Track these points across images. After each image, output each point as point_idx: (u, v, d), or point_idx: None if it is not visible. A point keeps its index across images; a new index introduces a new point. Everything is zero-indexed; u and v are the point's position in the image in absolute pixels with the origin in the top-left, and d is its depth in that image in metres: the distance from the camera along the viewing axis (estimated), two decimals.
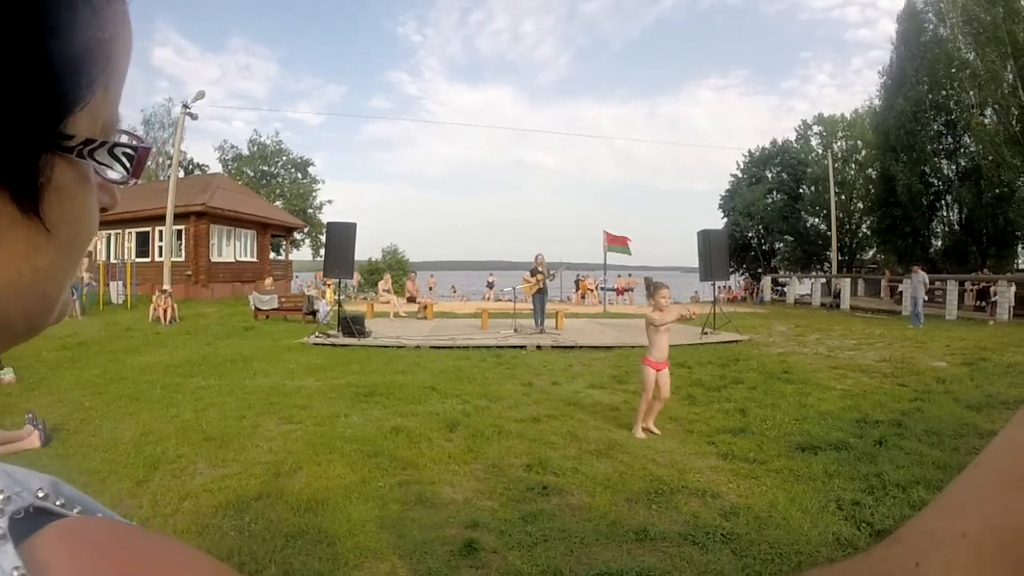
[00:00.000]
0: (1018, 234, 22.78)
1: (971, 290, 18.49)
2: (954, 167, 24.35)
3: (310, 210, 37.99)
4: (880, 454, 4.23)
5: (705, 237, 12.59)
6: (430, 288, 25.48)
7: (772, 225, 34.23)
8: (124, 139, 0.30)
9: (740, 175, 36.85)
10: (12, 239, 0.25)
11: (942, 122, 23.90)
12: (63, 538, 0.25)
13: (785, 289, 26.26)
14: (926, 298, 14.60)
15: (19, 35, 0.22)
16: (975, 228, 23.60)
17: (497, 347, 9.64)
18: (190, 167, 37.29)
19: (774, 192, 34.76)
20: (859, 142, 31.75)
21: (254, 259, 24.44)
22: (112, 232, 21.84)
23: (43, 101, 0.23)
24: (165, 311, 13.39)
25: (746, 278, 33.84)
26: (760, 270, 33.32)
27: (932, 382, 6.78)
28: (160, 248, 19.95)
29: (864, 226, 32.00)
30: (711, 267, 12.41)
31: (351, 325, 10.58)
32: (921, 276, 14.19)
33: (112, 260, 20.07)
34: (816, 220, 33.80)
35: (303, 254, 40.48)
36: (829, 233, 28.72)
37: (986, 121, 20.55)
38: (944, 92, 23.19)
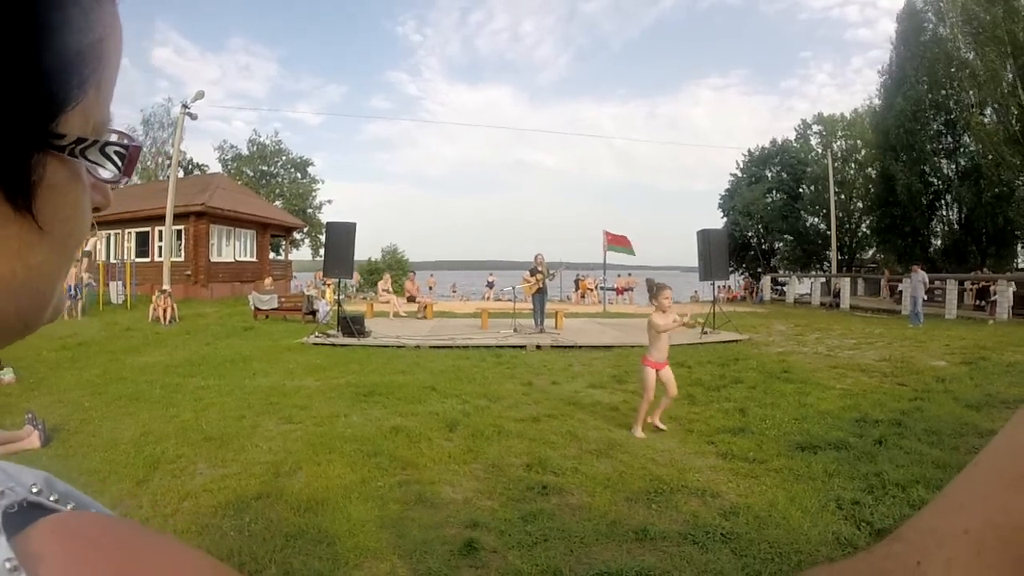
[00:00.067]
0: (1018, 233, 22.78)
1: (971, 289, 18.49)
2: (954, 166, 24.37)
3: (310, 210, 37.98)
4: (880, 453, 4.23)
5: (705, 237, 12.60)
6: (430, 288, 25.47)
7: (772, 224, 34.25)
8: (115, 138, 0.30)
9: (740, 175, 36.89)
10: (5, 237, 0.25)
11: (942, 121, 23.92)
12: (56, 532, 0.25)
13: (785, 288, 26.26)
14: (926, 297, 14.61)
15: (11, 36, 0.22)
16: (975, 227, 23.62)
17: (497, 347, 9.64)
18: (190, 167, 37.29)
19: (774, 192, 34.79)
20: (859, 142, 31.77)
21: (254, 259, 24.44)
22: (112, 232, 21.84)
23: (35, 100, 0.24)
24: (165, 311, 13.40)
25: (746, 278, 33.84)
26: (760, 269, 33.33)
27: (932, 381, 6.78)
28: (160, 248, 19.95)
29: (864, 225, 32.03)
30: (711, 267, 12.41)
31: (351, 325, 10.58)
32: (921, 275, 14.20)
33: (112, 260, 20.08)
34: (816, 219, 33.82)
35: (303, 254, 40.52)
36: (829, 232, 28.74)
37: (986, 120, 20.56)
38: (944, 91, 23.20)
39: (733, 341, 10.71)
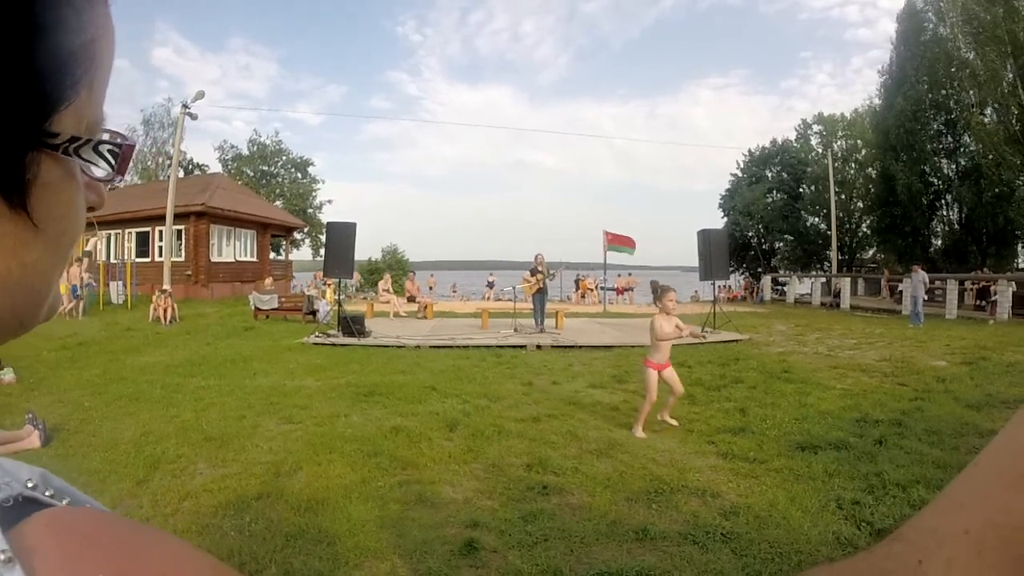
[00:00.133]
0: (1018, 233, 22.79)
1: (971, 289, 18.49)
2: (954, 166, 24.37)
3: (310, 210, 38.00)
4: (880, 453, 4.23)
5: (705, 237, 12.60)
6: (430, 288, 25.47)
7: (772, 224, 34.26)
8: (108, 137, 0.30)
9: (740, 175, 36.89)
10: (0, 235, 0.25)
11: (942, 121, 23.92)
12: (51, 526, 0.25)
13: (785, 288, 26.26)
14: (926, 297, 14.61)
15: (5, 36, 0.23)
16: (975, 227, 23.62)
17: (497, 347, 9.65)
18: (190, 167, 37.29)
19: (774, 191, 34.79)
20: (859, 141, 31.78)
21: (254, 259, 24.45)
22: (112, 232, 21.84)
23: (29, 100, 0.24)
24: (165, 311, 13.40)
25: (746, 277, 33.85)
26: (760, 269, 33.34)
27: (932, 381, 6.78)
28: (160, 248, 19.96)
29: (864, 225, 32.03)
30: (711, 266, 12.42)
31: (351, 325, 10.59)
32: (921, 275, 14.20)
33: (112, 260, 20.07)
34: (816, 219, 33.84)
35: (303, 254, 40.56)
36: (829, 232, 28.74)
37: (986, 120, 20.55)
38: (944, 91, 23.20)
39: (733, 341, 10.71)
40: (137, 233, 21.82)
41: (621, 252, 21.15)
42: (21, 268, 0.26)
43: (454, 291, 29.95)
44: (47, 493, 0.29)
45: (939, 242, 25.86)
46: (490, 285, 27.59)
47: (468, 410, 5.52)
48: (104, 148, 0.29)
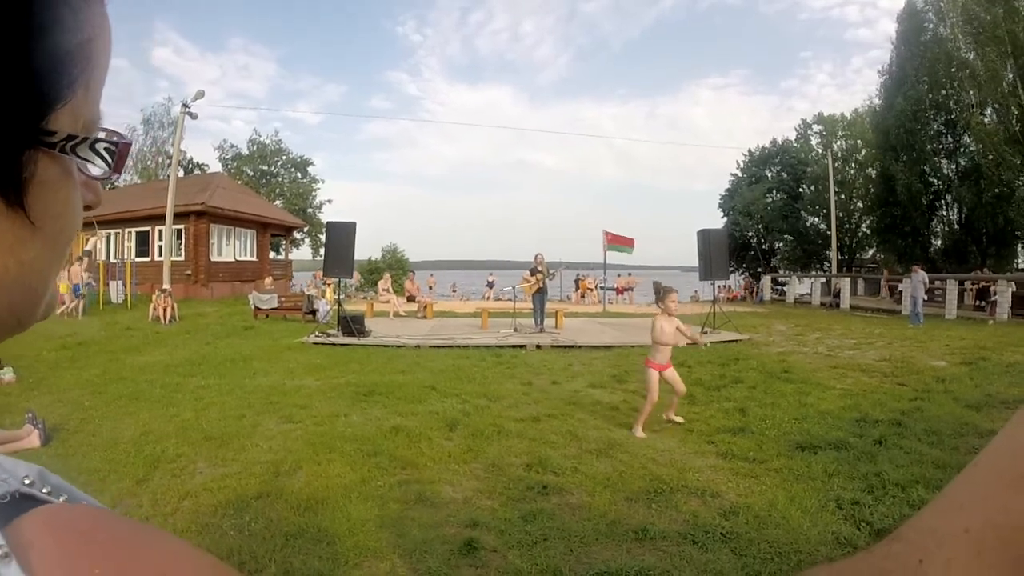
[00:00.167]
0: (1018, 234, 22.77)
1: (971, 289, 18.50)
2: (954, 166, 24.36)
3: (310, 209, 37.98)
4: (880, 453, 4.23)
5: (705, 236, 12.60)
6: (430, 287, 25.46)
7: (772, 224, 34.24)
8: (104, 135, 0.30)
9: (740, 175, 36.87)
10: None
11: (942, 121, 23.90)
12: (48, 523, 0.25)
13: (785, 288, 26.26)
14: (926, 297, 14.61)
15: (2, 36, 0.23)
16: (975, 227, 23.61)
17: (497, 346, 9.65)
18: (190, 166, 37.27)
19: (774, 191, 34.77)
20: (859, 141, 31.75)
21: (254, 258, 24.44)
22: (112, 232, 21.83)
23: (26, 98, 0.24)
24: (165, 310, 13.40)
25: (746, 277, 33.84)
26: (760, 269, 33.32)
27: (932, 381, 6.78)
28: (160, 247, 19.95)
29: (864, 225, 32.01)
30: (711, 266, 12.41)
31: (351, 324, 10.59)
32: (921, 275, 14.20)
33: (112, 260, 20.07)
34: (816, 219, 33.81)
35: (303, 253, 40.55)
36: (829, 232, 28.73)
37: (986, 120, 20.54)
38: (944, 91, 23.19)
39: (733, 341, 10.71)
40: (137, 232, 21.81)
41: (621, 252, 21.16)
42: (18, 266, 0.27)
43: (454, 291, 29.95)
44: (44, 490, 0.29)
45: (939, 242, 25.84)
46: (490, 285, 27.59)
47: (468, 410, 5.52)
48: (101, 146, 0.29)
